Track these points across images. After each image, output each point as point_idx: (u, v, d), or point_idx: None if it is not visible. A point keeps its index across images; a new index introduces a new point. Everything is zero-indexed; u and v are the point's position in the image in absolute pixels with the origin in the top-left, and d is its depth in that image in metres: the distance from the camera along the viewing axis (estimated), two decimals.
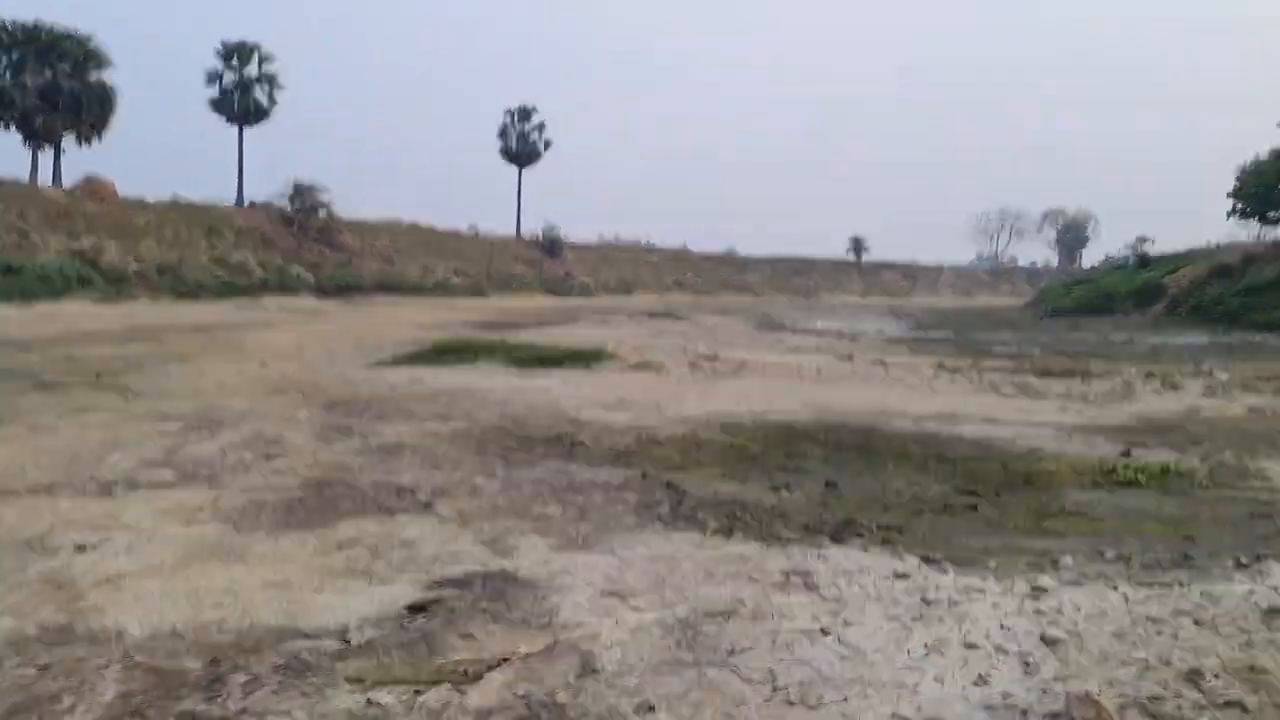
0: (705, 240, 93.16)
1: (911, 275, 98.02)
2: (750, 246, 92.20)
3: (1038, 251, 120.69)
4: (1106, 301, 34.02)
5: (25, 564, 4.08)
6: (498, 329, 23.56)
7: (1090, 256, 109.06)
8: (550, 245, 62.97)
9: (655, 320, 28.91)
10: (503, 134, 64.97)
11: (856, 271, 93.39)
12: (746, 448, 7.36)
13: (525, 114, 64.53)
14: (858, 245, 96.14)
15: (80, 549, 4.30)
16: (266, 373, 12.28)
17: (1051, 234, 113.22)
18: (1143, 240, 45.04)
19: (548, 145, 65.36)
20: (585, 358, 12.56)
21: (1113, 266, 52.02)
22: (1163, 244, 45.51)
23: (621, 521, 5.02)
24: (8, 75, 37.42)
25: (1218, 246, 44.79)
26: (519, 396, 10.03)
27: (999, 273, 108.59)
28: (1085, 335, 24.74)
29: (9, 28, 37.39)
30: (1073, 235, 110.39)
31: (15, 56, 37.55)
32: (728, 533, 4.73)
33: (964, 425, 8.63)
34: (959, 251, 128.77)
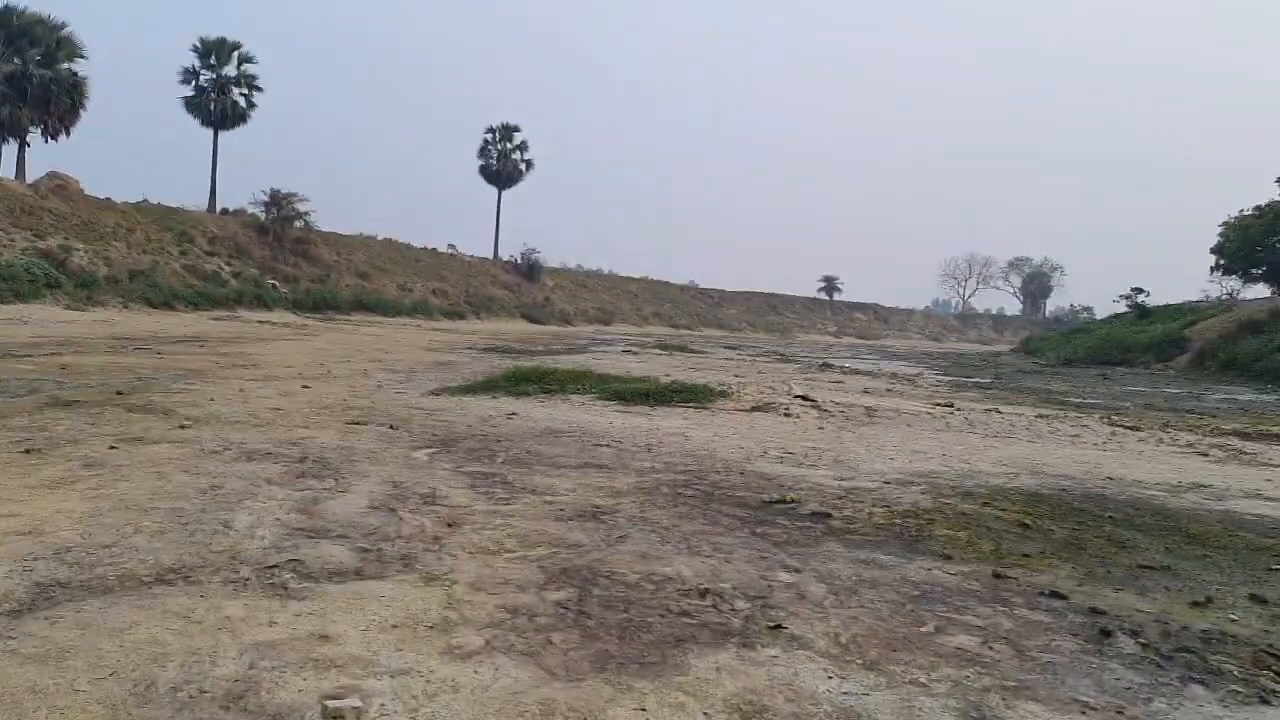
0: (664, 271, 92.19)
1: (883, 317, 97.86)
2: (713, 279, 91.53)
3: (997, 299, 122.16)
4: (1121, 352, 33.08)
5: None
6: (514, 355, 21.70)
7: (1053, 305, 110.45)
8: (529, 269, 60.99)
9: (678, 354, 27.13)
10: (483, 152, 62.75)
11: (829, 310, 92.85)
12: (1044, 527, 5.64)
13: (508, 132, 62.47)
14: (830, 284, 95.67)
15: (338, 719, 2.44)
16: (315, 396, 10.32)
17: (1017, 282, 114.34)
18: (1138, 291, 44.50)
19: (529, 166, 63.23)
20: (695, 394, 10.76)
21: (1110, 316, 51.71)
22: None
23: (1107, 671, 3.28)
24: None
25: (1219, 300, 44.69)
26: (658, 441, 8.25)
27: (966, 318, 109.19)
28: (1133, 387, 23.54)
29: None
30: (1037, 284, 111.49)
31: None
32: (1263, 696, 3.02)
33: (1236, 501, 7.05)
34: (919, 295, 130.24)
